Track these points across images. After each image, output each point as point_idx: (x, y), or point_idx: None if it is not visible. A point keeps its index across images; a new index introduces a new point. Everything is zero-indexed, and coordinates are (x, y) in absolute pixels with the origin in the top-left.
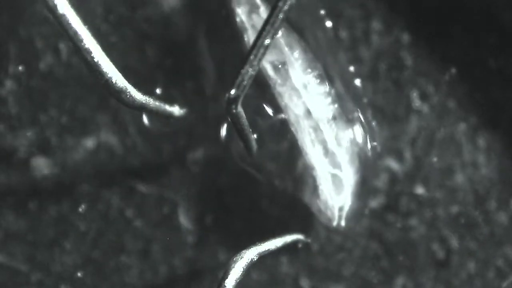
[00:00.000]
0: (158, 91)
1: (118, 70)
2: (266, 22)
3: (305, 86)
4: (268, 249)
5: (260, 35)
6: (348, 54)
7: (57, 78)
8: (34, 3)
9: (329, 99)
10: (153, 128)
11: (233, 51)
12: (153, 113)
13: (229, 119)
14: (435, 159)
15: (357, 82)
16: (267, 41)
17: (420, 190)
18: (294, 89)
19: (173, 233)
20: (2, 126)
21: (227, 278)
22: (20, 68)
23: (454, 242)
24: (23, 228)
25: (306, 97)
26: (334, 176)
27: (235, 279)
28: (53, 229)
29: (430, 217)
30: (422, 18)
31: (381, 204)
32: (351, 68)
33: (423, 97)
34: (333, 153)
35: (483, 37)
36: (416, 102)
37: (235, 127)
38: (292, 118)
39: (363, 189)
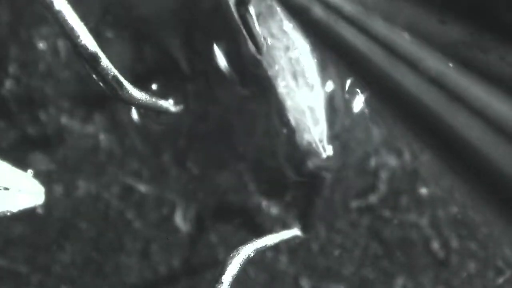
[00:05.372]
0: (154, 87)
1: (114, 67)
2: None
3: (287, 19)
4: (265, 245)
5: None
6: None
7: (57, 78)
8: (34, 3)
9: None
10: (146, 124)
11: (230, 50)
12: (150, 109)
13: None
14: (434, 159)
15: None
16: None
17: (420, 189)
18: (276, 21)
19: (172, 233)
20: (2, 124)
21: (224, 274)
22: (20, 68)
23: (454, 242)
24: (23, 228)
25: (288, 29)
26: (311, 109)
27: (232, 274)
28: (53, 230)
29: (430, 216)
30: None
31: (381, 204)
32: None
33: None
34: (312, 85)
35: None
36: None
37: (245, 27)
38: (271, 53)
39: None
